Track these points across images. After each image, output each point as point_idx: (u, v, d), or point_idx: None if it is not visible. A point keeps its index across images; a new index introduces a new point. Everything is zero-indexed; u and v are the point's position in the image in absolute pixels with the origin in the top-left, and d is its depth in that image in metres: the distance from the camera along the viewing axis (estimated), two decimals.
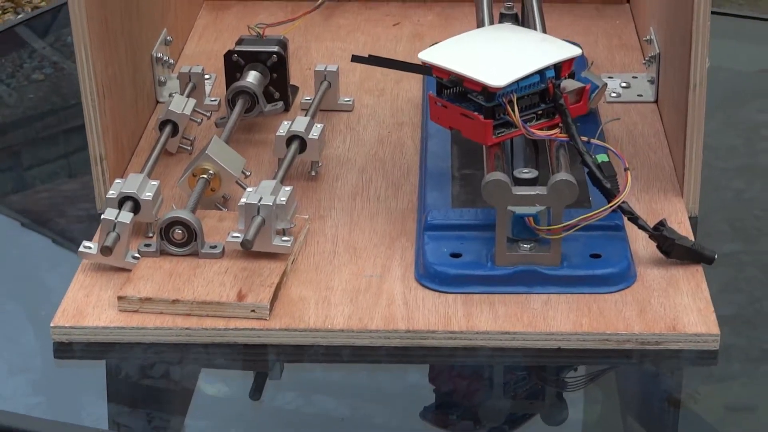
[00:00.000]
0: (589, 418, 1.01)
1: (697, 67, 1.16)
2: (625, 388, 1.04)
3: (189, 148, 1.26)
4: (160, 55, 1.35)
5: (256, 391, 1.01)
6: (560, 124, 1.11)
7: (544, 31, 1.33)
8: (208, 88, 1.37)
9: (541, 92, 1.11)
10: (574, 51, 1.13)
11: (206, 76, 1.36)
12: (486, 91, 1.08)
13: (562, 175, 1.03)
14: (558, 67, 1.12)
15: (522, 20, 1.41)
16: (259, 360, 1.04)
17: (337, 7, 1.62)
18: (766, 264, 1.17)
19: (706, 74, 1.16)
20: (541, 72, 1.11)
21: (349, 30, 1.59)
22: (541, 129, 1.10)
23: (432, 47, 1.15)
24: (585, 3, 1.62)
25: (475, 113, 1.10)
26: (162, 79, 1.37)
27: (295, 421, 0.99)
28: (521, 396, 1.03)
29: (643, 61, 1.42)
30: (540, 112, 1.12)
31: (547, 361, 1.03)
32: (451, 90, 1.12)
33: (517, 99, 1.09)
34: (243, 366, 1.04)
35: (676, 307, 1.05)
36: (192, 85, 1.31)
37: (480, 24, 1.36)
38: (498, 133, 1.10)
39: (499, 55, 1.12)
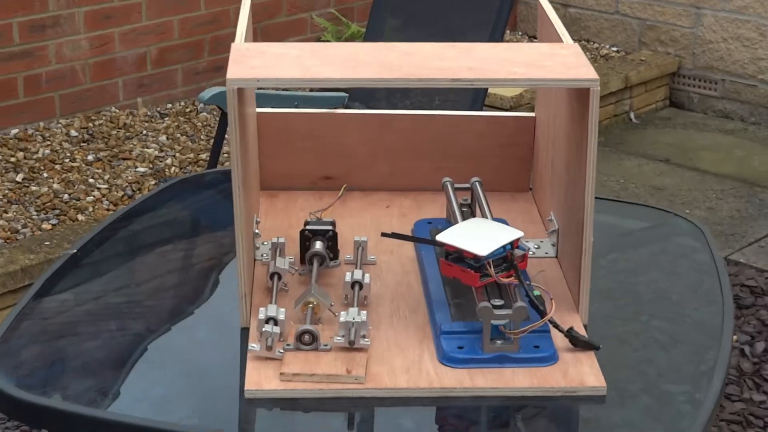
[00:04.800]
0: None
1: (587, 236, 1.77)
2: (555, 413, 1.67)
3: (286, 288, 1.87)
4: (256, 231, 1.97)
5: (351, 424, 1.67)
6: (513, 275, 1.74)
7: (491, 212, 1.93)
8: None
9: (503, 257, 1.74)
10: (518, 233, 1.77)
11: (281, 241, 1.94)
12: (476, 257, 1.72)
13: (519, 304, 1.67)
14: (511, 243, 1.76)
15: (472, 206, 2.01)
16: (356, 407, 1.65)
17: (348, 195, 2.17)
18: None
19: (591, 246, 1.77)
20: (503, 246, 1.74)
21: (359, 210, 2.14)
22: (505, 277, 1.73)
23: (443, 232, 1.75)
24: (504, 191, 2.16)
25: (468, 269, 1.73)
26: (257, 245, 1.98)
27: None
28: (498, 422, 1.67)
29: (547, 232, 2.02)
30: (503, 267, 1.74)
31: (513, 402, 1.65)
32: (454, 255, 1.75)
33: (492, 261, 1.74)
34: (350, 409, 1.65)
35: (581, 373, 1.67)
36: (278, 250, 1.94)
37: (450, 206, 1.96)
38: (482, 279, 1.72)
39: (480, 237, 1.74)
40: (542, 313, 1.74)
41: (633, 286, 2.02)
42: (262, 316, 1.74)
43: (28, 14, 4.39)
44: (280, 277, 1.89)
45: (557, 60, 1.81)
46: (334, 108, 2.96)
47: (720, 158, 5.08)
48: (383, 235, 1.88)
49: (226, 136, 3.59)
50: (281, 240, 1.95)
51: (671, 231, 2.24)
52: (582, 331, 1.79)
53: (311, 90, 4.14)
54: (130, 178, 4.22)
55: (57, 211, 3.95)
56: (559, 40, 1.92)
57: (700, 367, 1.79)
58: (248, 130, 1.96)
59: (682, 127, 5.43)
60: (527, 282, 1.76)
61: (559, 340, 1.76)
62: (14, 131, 4.47)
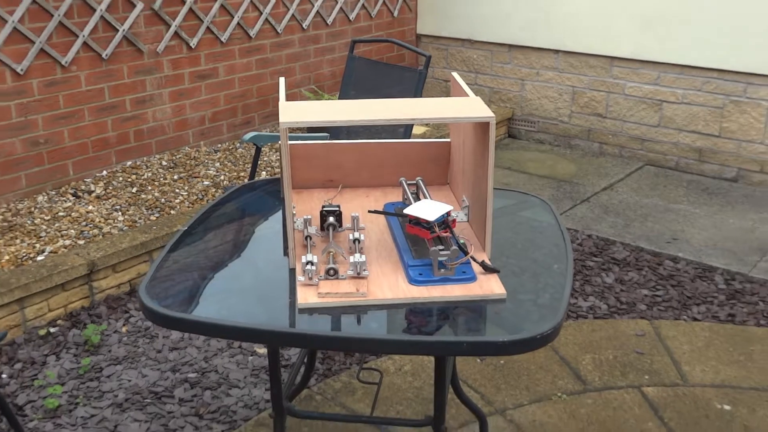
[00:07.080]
0: (463, 323, 1.65)
1: (489, 209, 1.77)
2: (474, 309, 1.65)
3: (314, 244, 1.87)
4: (294, 212, 1.98)
5: (360, 320, 1.66)
6: (449, 231, 1.78)
7: (430, 196, 1.95)
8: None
9: (443, 221, 1.76)
10: (450, 207, 1.77)
11: (309, 218, 1.97)
12: (427, 222, 1.75)
13: (453, 248, 1.68)
14: (447, 212, 1.78)
15: (418, 194, 2.01)
16: (362, 311, 1.63)
17: (344, 190, 2.15)
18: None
19: (492, 213, 1.79)
20: (443, 215, 1.77)
21: (350, 199, 2.10)
22: (444, 232, 1.74)
23: (407, 208, 1.74)
24: (434, 185, 2.16)
25: (423, 228, 1.75)
26: (295, 220, 1.98)
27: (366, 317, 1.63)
28: (443, 316, 1.64)
29: (461, 207, 2.02)
30: (443, 227, 1.76)
31: (451, 304, 1.64)
32: (414, 221, 1.77)
33: (437, 224, 1.78)
34: (359, 313, 1.62)
35: (491, 286, 1.67)
36: (308, 222, 1.95)
37: (405, 194, 1.95)
38: (431, 234, 1.74)
39: (430, 209, 1.74)
40: (466, 253, 1.74)
41: (499, 240, 1.97)
42: (304, 260, 1.74)
43: (135, 93, 4.32)
44: (311, 238, 1.87)
45: (468, 106, 1.82)
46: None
47: (539, 166, 5.12)
48: (370, 212, 1.88)
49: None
50: (308, 217, 1.94)
51: (530, 204, 2.23)
52: (489, 263, 1.79)
53: (303, 132, 4.10)
54: (200, 188, 4.16)
55: (158, 209, 3.87)
56: (466, 95, 1.93)
57: (537, 284, 1.76)
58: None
59: (516, 149, 5.47)
60: (457, 235, 1.76)
61: (476, 267, 1.76)
62: (129, 163, 4.38)
